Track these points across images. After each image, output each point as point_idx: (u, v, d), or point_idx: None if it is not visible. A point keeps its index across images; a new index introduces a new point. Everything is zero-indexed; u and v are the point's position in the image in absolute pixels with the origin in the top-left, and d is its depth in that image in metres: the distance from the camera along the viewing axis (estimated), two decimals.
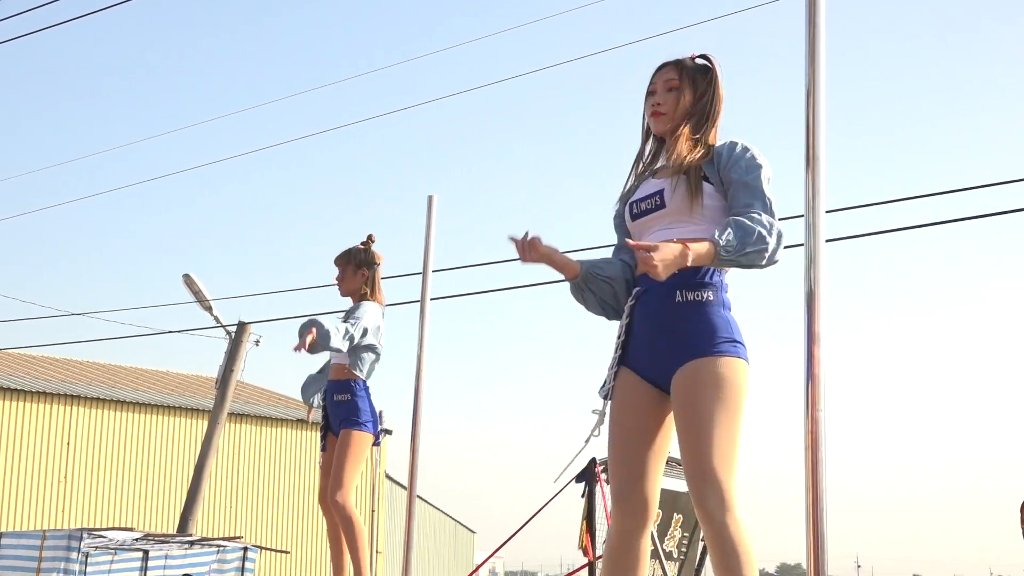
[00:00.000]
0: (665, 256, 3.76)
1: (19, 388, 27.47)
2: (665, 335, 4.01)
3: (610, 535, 4.04)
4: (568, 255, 4.15)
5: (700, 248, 3.85)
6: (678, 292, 4.01)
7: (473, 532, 48.81)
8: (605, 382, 4.17)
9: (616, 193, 4.41)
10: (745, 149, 4.09)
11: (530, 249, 3.96)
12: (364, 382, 7.48)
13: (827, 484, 3.55)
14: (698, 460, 3.79)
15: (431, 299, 7.28)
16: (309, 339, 7.01)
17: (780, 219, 4.14)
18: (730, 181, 4.05)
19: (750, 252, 3.92)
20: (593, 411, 4.19)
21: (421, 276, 7.28)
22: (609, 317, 4.26)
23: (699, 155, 4.13)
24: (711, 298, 4.01)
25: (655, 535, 10.20)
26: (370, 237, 7.73)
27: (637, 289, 4.15)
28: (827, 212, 3.95)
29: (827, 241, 3.91)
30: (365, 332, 7.39)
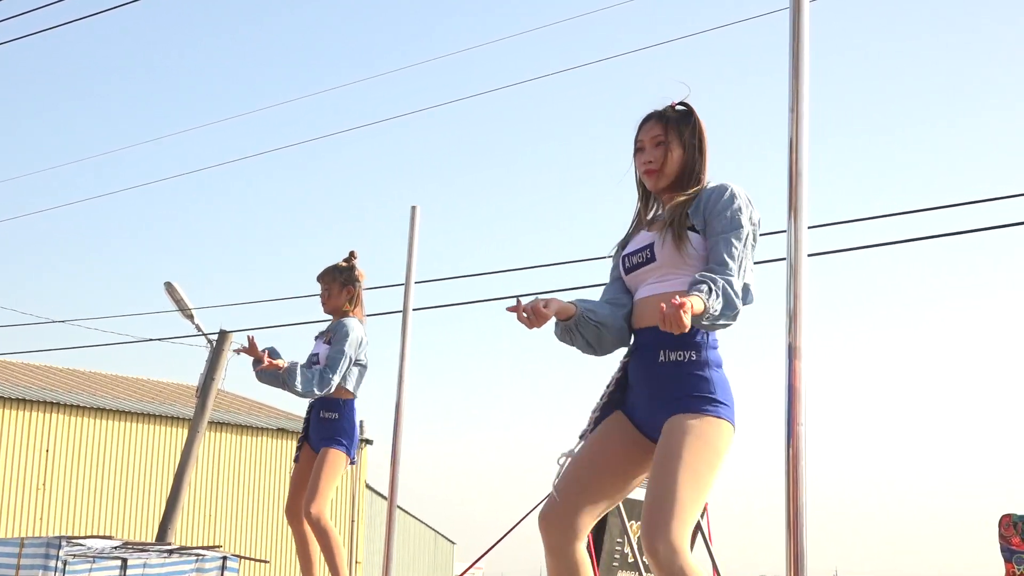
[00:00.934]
0: (674, 312, 3.70)
1: None
2: (650, 394, 4.04)
3: (545, 551, 4.03)
4: (559, 296, 4.12)
5: (697, 307, 3.79)
6: (661, 352, 4.02)
7: (453, 543, 48.73)
8: (586, 427, 4.18)
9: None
10: (732, 199, 4.08)
11: (535, 317, 3.88)
12: (352, 401, 7.50)
13: (808, 497, 3.56)
14: (657, 510, 3.75)
15: (413, 309, 7.32)
16: (278, 363, 7.24)
17: (763, 233, 4.14)
18: (711, 231, 4.04)
19: (721, 322, 3.91)
20: (561, 455, 4.16)
21: (404, 287, 7.30)
22: (594, 354, 4.25)
23: (683, 201, 4.15)
24: (694, 357, 3.98)
25: (636, 548, 10.19)
26: (352, 254, 7.72)
27: (630, 346, 4.18)
28: (809, 227, 3.97)
29: (809, 256, 3.94)
30: (349, 360, 7.44)
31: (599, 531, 10.61)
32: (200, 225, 52.66)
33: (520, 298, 3.88)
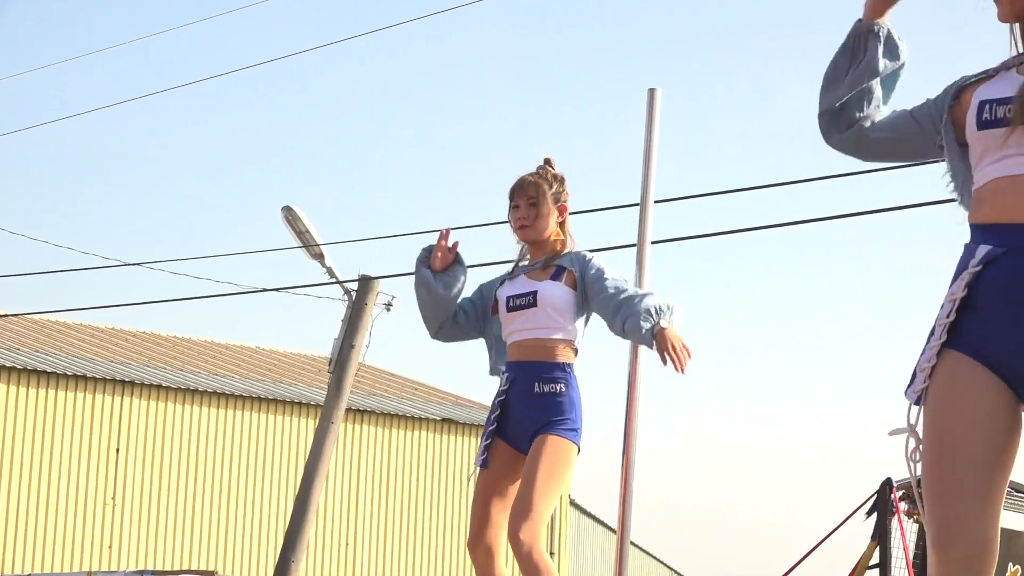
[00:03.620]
0: None
1: (50, 371, 28.08)
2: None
3: None
4: None
5: None
6: None
7: None
8: (913, 378, 4.21)
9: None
10: None
11: None
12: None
13: None
14: None
15: (652, 242, 7.31)
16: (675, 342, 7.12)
17: None
18: None
19: None
20: (893, 432, 4.23)
21: (639, 208, 7.23)
22: None
23: None
24: None
25: None
26: (548, 162, 7.68)
27: (987, 250, 4.13)
28: None
29: None
30: None
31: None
32: (330, 131, 53.08)
33: None
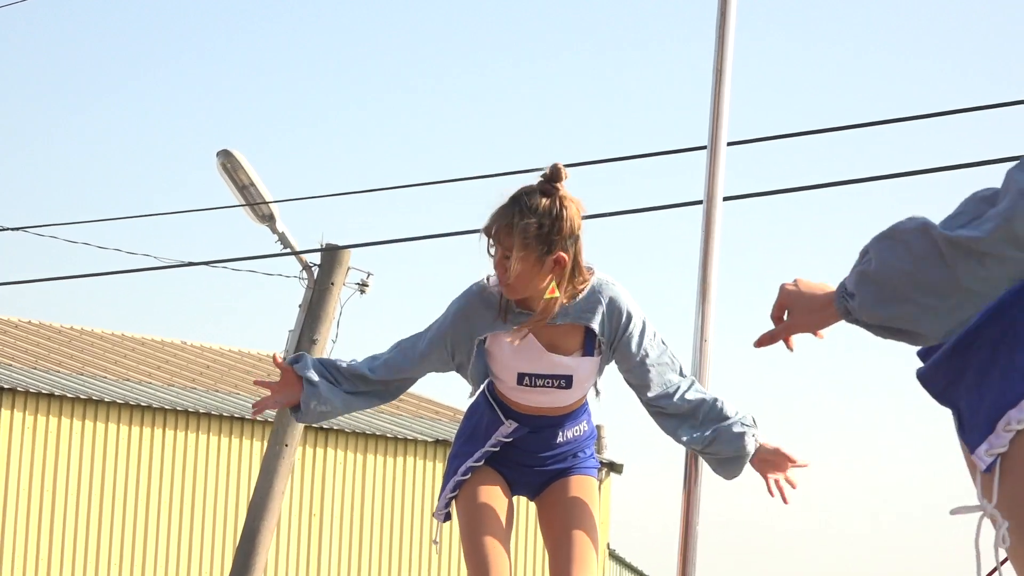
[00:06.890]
0: None
1: None
2: None
3: None
4: None
5: None
6: None
7: None
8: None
9: None
10: None
11: None
12: None
13: None
14: None
15: (724, 198, 7.45)
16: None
17: None
18: None
19: None
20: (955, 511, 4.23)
21: (707, 151, 7.10)
22: None
23: None
24: None
25: None
26: (554, 176, 7.51)
27: None
28: None
29: None
30: None
31: None
32: (276, 73, 53.13)
33: None
